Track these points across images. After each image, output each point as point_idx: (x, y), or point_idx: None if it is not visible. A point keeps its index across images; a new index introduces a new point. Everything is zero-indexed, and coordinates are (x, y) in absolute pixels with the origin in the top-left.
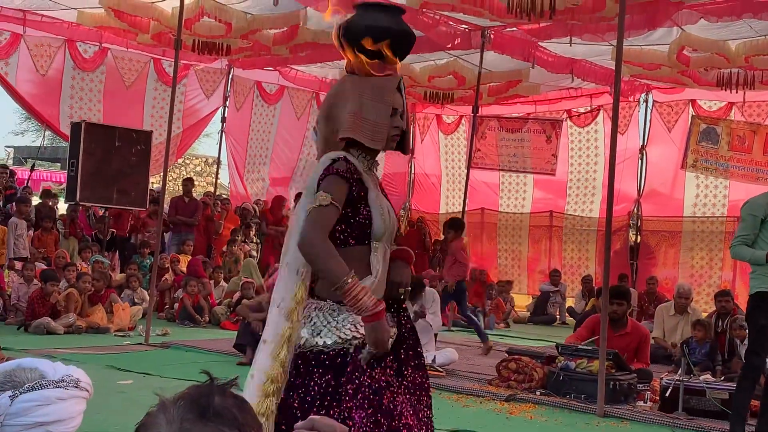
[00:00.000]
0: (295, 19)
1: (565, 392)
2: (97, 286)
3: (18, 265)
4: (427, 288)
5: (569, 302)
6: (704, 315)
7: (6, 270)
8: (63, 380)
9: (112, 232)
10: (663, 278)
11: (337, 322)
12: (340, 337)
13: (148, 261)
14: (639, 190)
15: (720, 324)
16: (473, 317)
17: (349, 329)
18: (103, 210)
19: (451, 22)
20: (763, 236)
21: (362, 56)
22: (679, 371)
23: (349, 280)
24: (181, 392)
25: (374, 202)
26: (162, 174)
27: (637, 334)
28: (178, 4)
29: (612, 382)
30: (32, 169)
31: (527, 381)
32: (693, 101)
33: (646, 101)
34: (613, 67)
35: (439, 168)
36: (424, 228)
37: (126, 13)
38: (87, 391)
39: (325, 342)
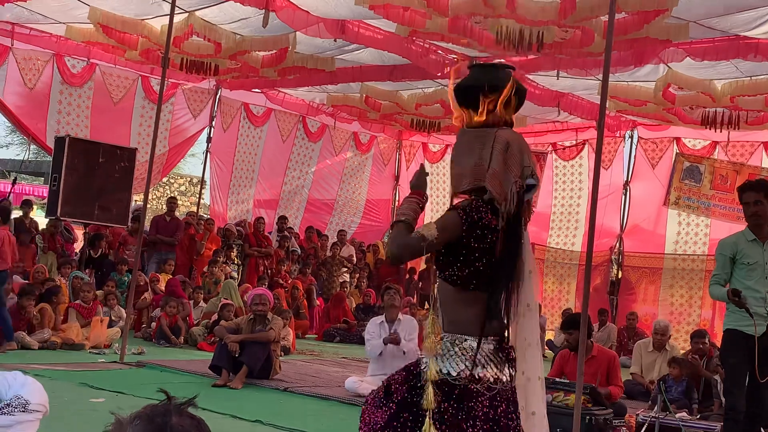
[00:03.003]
0: (285, 42)
1: None
2: (88, 297)
3: None
4: (406, 316)
5: (549, 335)
6: (682, 352)
7: None
8: (10, 404)
9: (89, 251)
10: (642, 314)
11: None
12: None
13: (126, 278)
14: (622, 226)
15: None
16: None
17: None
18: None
19: (440, 51)
20: (736, 275)
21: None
22: (656, 408)
23: None
24: (137, 411)
25: None
26: (144, 192)
27: (605, 357)
28: (167, 22)
29: (588, 417)
30: (14, 182)
31: None
32: (677, 139)
33: (632, 137)
34: (600, 102)
35: None
36: None
37: (115, 29)
38: (39, 411)
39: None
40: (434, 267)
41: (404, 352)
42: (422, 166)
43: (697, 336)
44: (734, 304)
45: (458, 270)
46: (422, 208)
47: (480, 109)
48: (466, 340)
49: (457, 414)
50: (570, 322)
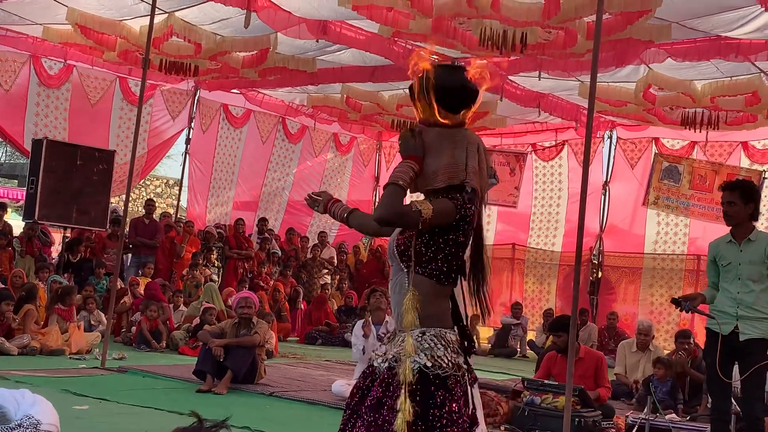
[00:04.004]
0: (266, 42)
1: (530, 428)
2: (72, 300)
3: None
4: (389, 317)
5: (530, 335)
6: (666, 353)
7: None
8: (21, 425)
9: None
10: (623, 314)
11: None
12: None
13: (104, 282)
14: (601, 226)
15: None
16: None
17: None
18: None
19: (421, 52)
20: (722, 277)
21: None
22: (645, 410)
23: None
24: None
25: None
26: (125, 195)
27: (592, 358)
28: (146, 23)
29: (577, 419)
30: None
31: (492, 415)
32: (656, 139)
33: (611, 137)
34: (580, 103)
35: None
36: (383, 257)
37: (93, 30)
38: None
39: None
40: (407, 260)
41: None
42: (410, 128)
43: (682, 336)
44: (684, 310)
45: (441, 263)
46: (417, 175)
47: (452, 112)
48: (447, 333)
49: (444, 401)
50: (558, 324)
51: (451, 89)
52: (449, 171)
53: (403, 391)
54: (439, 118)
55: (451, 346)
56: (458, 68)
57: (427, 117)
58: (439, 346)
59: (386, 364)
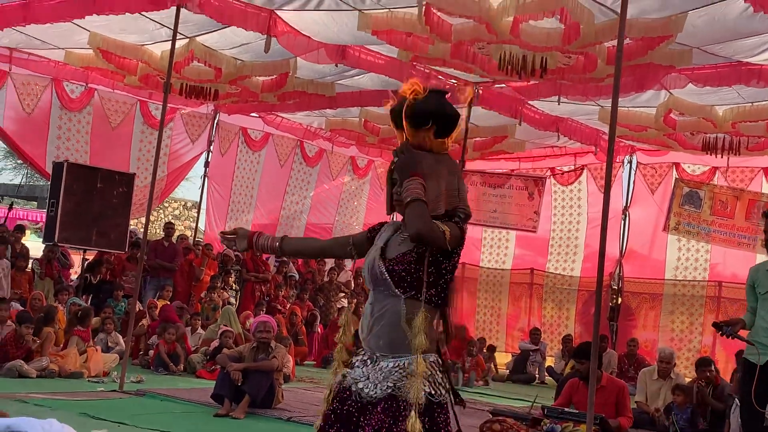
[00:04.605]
0: (285, 67)
1: None
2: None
3: None
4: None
5: (549, 361)
6: (687, 380)
7: None
8: None
9: (86, 277)
10: (643, 341)
11: None
12: None
13: (123, 305)
14: (621, 251)
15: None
16: None
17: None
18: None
19: (440, 76)
20: (761, 304)
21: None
22: None
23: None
24: None
25: (367, 255)
26: (145, 217)
27: (614, 387)
28: (167, 48)
29: None
30: (10, 207)
31: None
32: (677, 164)
33: (630, 162)
34: (599, 128)
35: None
36: None
37: (114, 55)
38: None
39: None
40: (407, 286)
41: None
42: (406, 149)
43: (703, 364)
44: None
45: (439, 288)
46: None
47: (440, 137)
48: (438, 357)
49: (446, 425)
50: (582, 351)
51: (448, 115)
52: (449, 197)
53: (413, 412)
54: (433, 143)
55: (443, 370)
56: (445, 93)
57: (419, 141)
58: (438, 372)
59: (388, 391)
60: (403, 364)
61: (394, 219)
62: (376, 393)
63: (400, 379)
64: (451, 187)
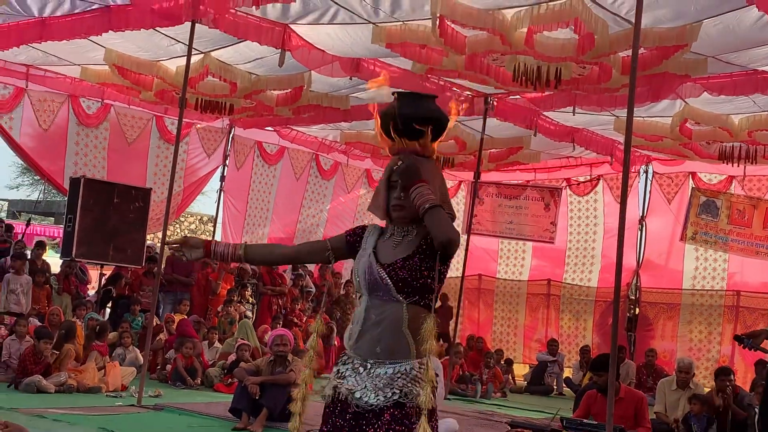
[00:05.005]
0: (300, 81)
1: None
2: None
3: (8, 319)
4: (432, 358)
5: (567, 372)
6: (706, 390)
7: None
8: None
9: (110, 290)
10: (661, 351)
11: None
12: None
13: (140, 319)
14: (638, 261)
15: (722, 401)
16: None
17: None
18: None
19: (455, 88)
20: None
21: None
22: None
23: None
24: None
25: (356, 260)
26: (161, 232)
27: (632, 398)
28: (182, 63)
29: None
30: (28, 223)
31: None
32: (693, 173)
33: (646, 172)
34: (615, 137)
35: None
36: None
37: (130, 71)
38: None
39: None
40: (410, 291)
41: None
42: (403, 158)
43: (722, 374)
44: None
45: (437, 294)
46: None
47: (425, 141)
48: (435, 361)
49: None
50: (599, 363)
51: (441, 120)
52: (442, 202)
53: (423, 418)
54: (433, 150)
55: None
56: (424, 96)
57: (414, 148)
58: (435, 382)
59: (393, 398)
60: (405, 369)
61: (389, 224)
62: (378, 400)
63: (405, 385)
64: (443, 191)
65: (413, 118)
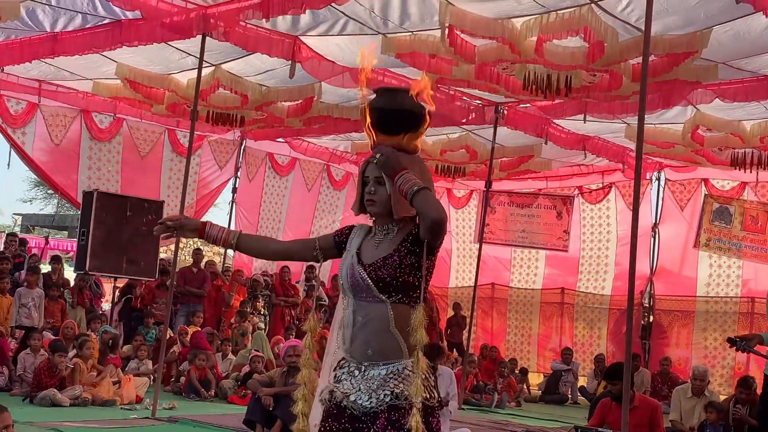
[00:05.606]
0: (310, 92)
1: None
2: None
3: (18, 333)
4: (443, 368)
5: (581, 381)
6: (722, 398)
7: (9, 338)
8: None
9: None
10: (676, 359)
11: None
12: None
13: (153, 332)
14: (651, 269)
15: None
16: None
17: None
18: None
19: (465, 98)
20: None
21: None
22: None
23: None
24: None
25: (342, 261)
26: (174, 245)
27: (647, 407)
28: (193, 76)
29: None
30: (47, 240)
31: None
32: (705, 180)
33: (659, 179)
34: (626, 145)
35: (449, 242)
36: (431, 303)
37: (142, 84)
38: None
39: None
40: (393, 290)
41: (450, 411)
42: (380, 150)
43: (743, 386)
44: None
45: (424, 291)
46: None
47: (410, 135)
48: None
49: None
50: (613, 372)
51: (415, 111)
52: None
53: (415, 409)
54: (415, 146)
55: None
56: (402, 91)
57: (398, 143)
58: (431, 375)
59: (386, 400)
60: (397, 369)
61: (373, 221)
62: (371, 403)
63: (397, 385)
64: (427, 178)
65: (386, 112)
